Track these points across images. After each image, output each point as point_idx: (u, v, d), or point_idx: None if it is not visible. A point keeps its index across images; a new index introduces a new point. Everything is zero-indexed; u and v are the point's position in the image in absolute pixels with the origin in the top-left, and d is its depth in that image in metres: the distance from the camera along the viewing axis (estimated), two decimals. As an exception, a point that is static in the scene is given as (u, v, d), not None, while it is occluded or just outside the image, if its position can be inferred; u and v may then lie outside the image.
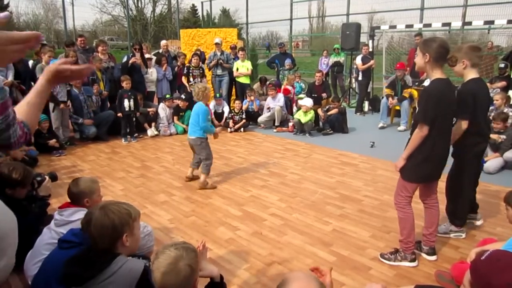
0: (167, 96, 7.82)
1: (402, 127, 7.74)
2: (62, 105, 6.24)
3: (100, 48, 7.53)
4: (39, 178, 3.05)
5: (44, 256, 2.29)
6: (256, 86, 9.25)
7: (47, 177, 3.10)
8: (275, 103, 8.17)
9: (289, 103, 8.75)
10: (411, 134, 2.72)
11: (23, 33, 1.05)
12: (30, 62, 6.76)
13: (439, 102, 2.55)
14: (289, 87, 8.93)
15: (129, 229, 1.75)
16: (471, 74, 3.00)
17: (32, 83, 6.64)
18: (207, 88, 4.66)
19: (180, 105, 7.77)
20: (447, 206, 3.36)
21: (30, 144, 5.91)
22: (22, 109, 1.27)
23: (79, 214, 2.43)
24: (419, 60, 2.68)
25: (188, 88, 8.18)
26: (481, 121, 3.05)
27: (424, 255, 2.96)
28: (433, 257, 2.94)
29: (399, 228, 2.90)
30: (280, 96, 8.28)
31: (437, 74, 2.63)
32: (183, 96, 7.91)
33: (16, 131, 1.15)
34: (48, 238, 2.43)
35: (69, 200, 2.56)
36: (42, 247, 2.40)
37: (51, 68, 1.35)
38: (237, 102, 8.12)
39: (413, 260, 2.86)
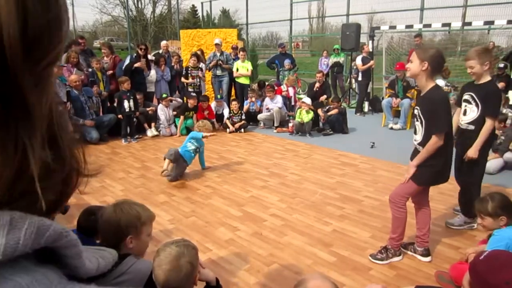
0: (164, 95, 7.70)
1: (398, 126, 7.77)
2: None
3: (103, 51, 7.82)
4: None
5: None
6: (254, 87, 9.26)
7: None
8: (273, 104, 8.17)
9: (289, 103, 8.72)
10: (422, 144, 2.69)
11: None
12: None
13: (448, 107, 2.64)
14: (290, 89, 8.89)
15: (136, 232, 1.74)
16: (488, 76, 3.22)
17: None
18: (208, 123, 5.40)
19: (189, 105, 7.56)
20: (460, 197, 3.47)
21: None
22: None
23: None
24: (415, 67, 2.62)
25: (186, 88, 8.24)
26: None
27: (418, 256, 2.95)
28: (428, 258, 2.92)
29: (392, 227, 2.91)
30: (279, 97, 8.26)
31: (431, 82, 2.67)
32: (192, 94, 7.84)
33: None
34: None
35: None
36: None
37: None
38: (233, 103, 8.00)
39: (400, 254, 2.94)
